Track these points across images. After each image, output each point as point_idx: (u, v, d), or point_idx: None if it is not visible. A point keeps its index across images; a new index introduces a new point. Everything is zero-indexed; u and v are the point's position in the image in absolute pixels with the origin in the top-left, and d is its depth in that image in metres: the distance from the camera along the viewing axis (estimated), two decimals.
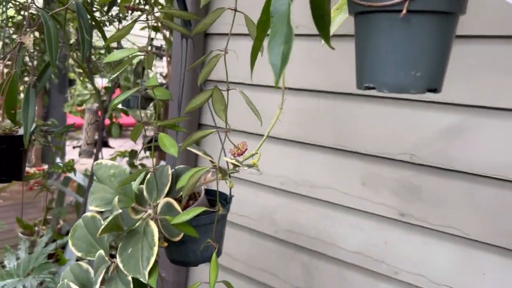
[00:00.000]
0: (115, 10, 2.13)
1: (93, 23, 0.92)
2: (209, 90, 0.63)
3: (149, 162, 3.20)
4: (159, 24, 3.07)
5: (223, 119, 0.62)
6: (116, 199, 0.62)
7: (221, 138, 0.68)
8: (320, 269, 1.38)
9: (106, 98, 2.28)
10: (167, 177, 0.69)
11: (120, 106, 2.70)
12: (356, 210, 1.30)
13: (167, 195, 0.70)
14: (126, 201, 0.66)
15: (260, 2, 0.43)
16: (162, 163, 1.78)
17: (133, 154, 3.03)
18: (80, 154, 2.46)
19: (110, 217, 0.57)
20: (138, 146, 3.34)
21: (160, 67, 3.91)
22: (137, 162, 3.01)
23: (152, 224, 0.61)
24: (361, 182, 1.29)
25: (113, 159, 3.00)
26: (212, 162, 0.69)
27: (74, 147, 3.95)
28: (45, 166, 3.87)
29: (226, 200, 0.79)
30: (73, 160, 1.96)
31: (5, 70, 0.86)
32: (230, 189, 0.75)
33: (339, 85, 1.28)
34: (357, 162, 1.28)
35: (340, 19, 0.58)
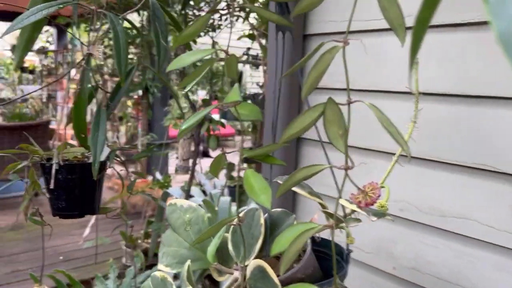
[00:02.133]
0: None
1: (172, 23, 0.76)
2: (320, 105, 0.41)
3: None
4: (255, 32, 2.95)
5: (341, 149, 0.40)
6: (185, 267, 0.44)
7: (335, 178, 0.46)
8: None
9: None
10: (258, 228, 0.49)
11: (217, 118, 2.62)
12: (504, 248, 0.99)
13: (260, 251, 0.50)
14: (204, 261, 0.48)
15: None
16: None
17: (231, 166, 2.94)
18: (176, 171, 2.42)
19: None
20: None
21: (257, 76, 3.80)
22: (235, 174, 2.91)
23: None
24: (511, 212, 0.98)
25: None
26: (322, 205, 0.48)
27: (176, 157, 4.01)
28: (150, 178, 3.98)
29: (341, 255, 0.57)
30: (169, 176, 1.90)
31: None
32: (348, 244, 0.53)
33: (483, 87, 0.99)
34: (506, 187, 0.98)
35: None
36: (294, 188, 0.51)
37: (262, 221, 0.50)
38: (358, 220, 0.51)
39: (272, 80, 1.39)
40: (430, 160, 1.09)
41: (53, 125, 4.67)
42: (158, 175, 2.43)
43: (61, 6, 0.62)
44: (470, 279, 1.04)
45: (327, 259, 0.60)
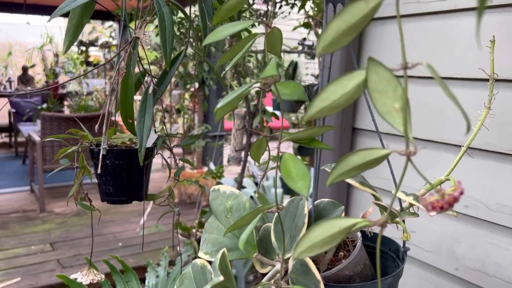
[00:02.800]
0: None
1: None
2: (362, 70, 0.33)
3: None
4: (311, 21, 2.88)
5: (397, 127, 0.31)
6: (218, 256, 0.41)
7: (391, 167, 0.41)
8: None
9: (255, 102, 2.17)
10: (302, 218, 0.45)
11: (271, 110, 2.58)
12: None
13: None
14: (245, 250, 0.45)
15: None
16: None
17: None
18: (228, 161, 2.41)
19: (208, 286, 0.37)
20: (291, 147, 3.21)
21: (312, 68, 3.71)
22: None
23: None
24: None
25: (265, 163, 2.92)
26: (375, 197, 0.43)
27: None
28: (205, 169, 4.03)
29: (397, 252, 0.52)
30: (222, 166, 1.90)
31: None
32: (404, 241, 0.48)
33: None
34: None
35: None
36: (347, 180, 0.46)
37: (306, 211, 0.46)
38: (415, 215, 0.45)
39: (324, 62, 1.33)
40: (501, 153, 0.99)
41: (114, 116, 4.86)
42: (212, 166, 2.44)
43: None
44: None
45: (383, 256, 0.55)
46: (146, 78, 0.77)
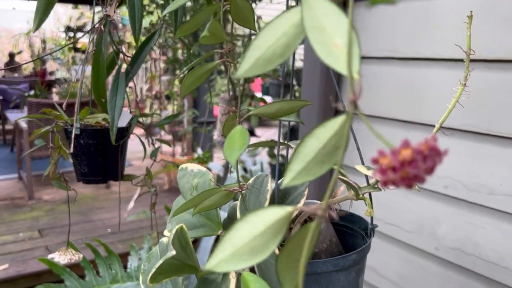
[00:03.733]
0: None
1: None
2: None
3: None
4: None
5: (341, 69, 0.25)
6: (173, 231, 0.41)
7: (357, 143, 0.41)
8: None
9: (242, 87, 2.16)
10: (265, 194, 0.45)
11: (259, 95, 2.57)
12: None
13: None
14: (209, 227, 0.45)
15: None
16: None
17: (273, 143, 2.89)
18: (214, 146, 2.41)
19: (160, 261, 0.37)
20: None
21: (301, 54, 3.69)
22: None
23: (231, 277, 0.39)
24: None
25: (254, 149, 2.91)
26: (341, 173, 0.43)
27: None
28: (195, 155, 4.03)
29: (365, 229, 0.52)
30: (209, 151, 1.90)
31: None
32: (372, 217, 0.48)
33: None
34: None
35: None
36: None
37: (269, 186, 0.46)
38: (377, 189, 0.45)
39: (310, 49, 1.32)
40: (479, 133, 0.99)
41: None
42: (199, 151, 2.44)
43: None
44: None
45: (353, 234, 0.55)
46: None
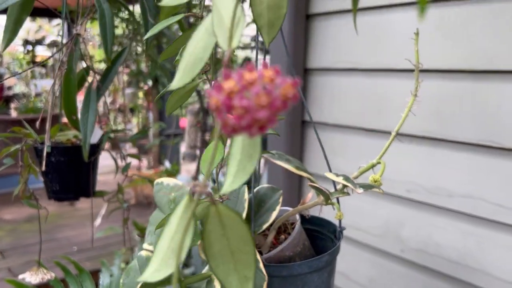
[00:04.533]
0: None
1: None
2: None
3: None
4: None
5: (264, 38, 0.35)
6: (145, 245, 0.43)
7: (325, 152, 0.44)
8: None
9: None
10: (242, 204, 0.48)
11: None
12: None
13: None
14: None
15: None
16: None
17: None
18: (183, 158, 2.41)
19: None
20: None
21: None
22: None
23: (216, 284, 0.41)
24: None
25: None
26: (310, 180, 0.46)
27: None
28: (163, 168, 3.99)
29: (334, 232, 0.55)
30: (176, 164, 1.90)
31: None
32: (340, 221, 0.51)
33: (486, 62, 0.95)
34: None
35: None
36: (279, 162, 0.49)
37: (246, 196, 0.48)
38: (346, 194, 0.48)
39: (276, 63, 1.36)
40: (436, 138, 1.05)
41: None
42: (167, 164, 2.43)
43: None
44: (479, 260, 1.01)
45: (322, 238, 0.58)
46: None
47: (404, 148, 1.12)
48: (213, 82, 0.50)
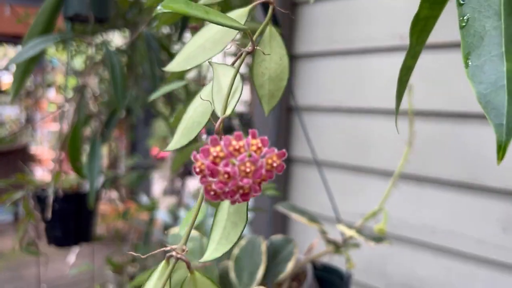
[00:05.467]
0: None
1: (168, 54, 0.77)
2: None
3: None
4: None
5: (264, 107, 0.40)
6: None
7: (334, 200, 0.47)
8: None
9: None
10: (259, 255, 0.50)
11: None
12: (495, 262, 1.02)
13: (264, 278, 0.50)
14: None
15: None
16: None
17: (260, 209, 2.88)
18: (164, 193, 2.39)
19: None
20: None
21: (244, 94, 3.78)
22: None
23: None
24: (500, 226, 1.01)
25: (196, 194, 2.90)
26: (322, 231, 0.49)
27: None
28: (132, 202, 3.91)
29: (341, 278, 0.57)
30: (155, 199, 1.89)
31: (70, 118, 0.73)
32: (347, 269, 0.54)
33: (468, 105, 1.02)
34: (495, 202, 1.00)
35: None
36: (292, 215, 0.51)
37: (262, 248, 0.50)
38: (358, 246, 0.51)
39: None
40: (419, 177, 1.11)
41: (32, 148, 4.57)
42: (145, 199, 2.41)
43: (58, 40, 0.63)
44: None
45: (332, 283, 0.60)
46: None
47: (388, 185, 1.17)
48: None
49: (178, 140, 0.34)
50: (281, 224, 1.41)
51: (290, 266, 0.49)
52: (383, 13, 1.16)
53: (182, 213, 2.13)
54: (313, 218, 0.52)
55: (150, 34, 0.72)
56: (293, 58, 1.37)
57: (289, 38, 1.35)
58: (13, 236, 3.44)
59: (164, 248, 0.31)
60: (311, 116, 1.34)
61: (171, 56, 0.78)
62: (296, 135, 1.38)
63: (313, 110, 1.33)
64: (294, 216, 0.51)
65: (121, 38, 1.74)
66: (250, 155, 0.20)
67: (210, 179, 0.20)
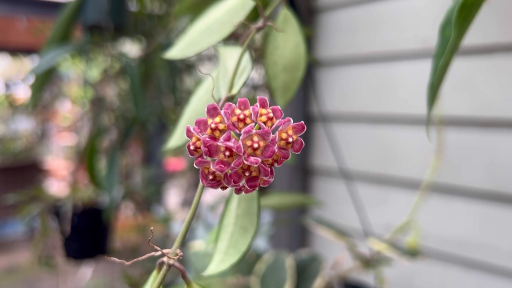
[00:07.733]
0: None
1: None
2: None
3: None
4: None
5: (278, 100, 0.35)
6: None
7: (360, 209, 0.44)
8: None
9: None
10: (284, 271, 0.46)
11: None
12: None
13: None
14: None
15: None
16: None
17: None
18: (183, 204, 2.37)
19: None
20: None
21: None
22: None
23: None
24: None
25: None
26: (350, 245, 0.46)
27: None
28: (146, 213, 3.89)
29: None
30: (170, 211, 1.87)
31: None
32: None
33: (497, 112, 0.98)
34: None
35: None
36: (320, 231, 0.48)
37: (287, 264, 0.47)
38: (389, 262, 0.48)
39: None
40: (447, 187, 1.06)
41: (47, 162, 4.59)
42: (162, 211, 2.39)
43: (76, 50, 0.61)
44: None
45: None
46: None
47: (412, 195, 1.13)
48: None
49: (180, 135, 0.30)
50: (301, 236, 1.37)
51: (318, 283, 0.46)
52: (407, 17, 1.13)
53: (199, 226, 2.09)
54: (341, 232, 0.49)
55: (168, 44, 0.71)
56: (314, 65, 1.34)
57: (310, 45, 1.33)
58: (26, 249, 3.44)
59: (153, 253, 0.27)
60: (332, 124, 1.30)
61: (189, 67, 0.76)
62: (317, 144, 1.35)
63: (335, 118, 1.30)
64: (321, 231, 0.48)
65: (138, 49, 1.74)
66: (258, 127, 0.15)
67: (208, 158, 0.15)
